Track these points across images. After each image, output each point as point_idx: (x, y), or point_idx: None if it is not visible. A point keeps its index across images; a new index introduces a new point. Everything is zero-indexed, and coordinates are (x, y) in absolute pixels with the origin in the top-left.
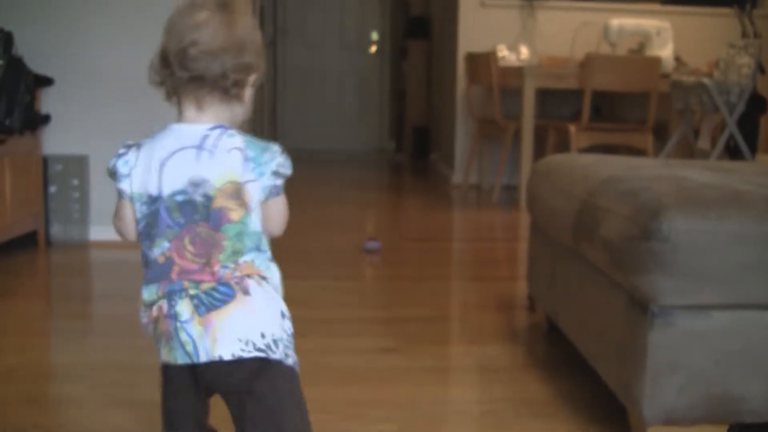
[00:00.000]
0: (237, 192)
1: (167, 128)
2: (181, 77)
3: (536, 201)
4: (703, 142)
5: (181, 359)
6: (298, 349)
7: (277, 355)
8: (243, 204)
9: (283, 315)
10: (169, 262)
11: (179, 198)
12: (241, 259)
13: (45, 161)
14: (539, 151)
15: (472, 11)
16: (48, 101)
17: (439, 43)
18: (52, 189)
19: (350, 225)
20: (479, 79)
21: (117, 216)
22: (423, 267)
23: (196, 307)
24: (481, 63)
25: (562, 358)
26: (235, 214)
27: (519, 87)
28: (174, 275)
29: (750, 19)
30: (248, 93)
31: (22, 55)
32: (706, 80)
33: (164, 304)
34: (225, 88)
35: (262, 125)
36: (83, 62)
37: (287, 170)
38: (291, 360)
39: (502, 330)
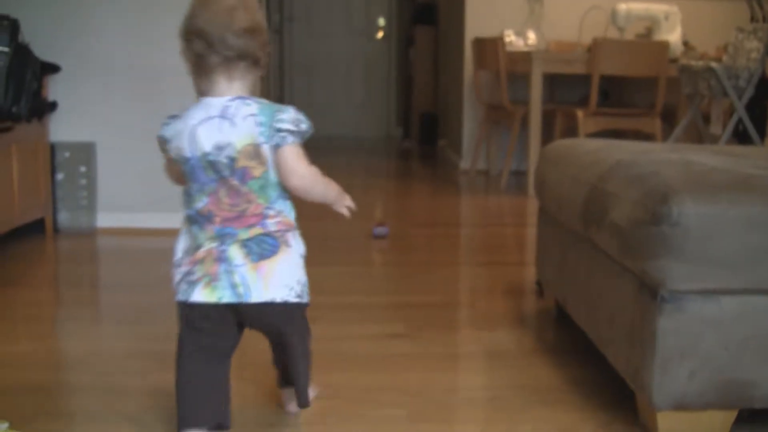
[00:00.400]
0: (255, 152)
1: (199, 101)
2: (226, 55)
3: (544, 186)
4: (715, 127)
5: (227, 299)
6: None
7: (305, 299)
8: (262, 162)
9: (301, 256)
10: (211, 214)
11: (208, 159)
12: (275, 206)
13: (52, 148)
14: (547, 137)
15: None
16: (55, 88)
17: (446, 29)
18: (60, 176)
19: (358, 211)
20: (486, 65)
21: (167, 171)
22: (431, 253)
23: (248, 254)
24: (489, 48)
25: (571, 344)
26: (256, 171)
27: (526, 72)
28: (217, 223)
29: (759, 3)
30: (267, 64)
31: (28, 42)
32: (714, 65)
33: (215, 248)
34: (256, 61)
35: None
36: (90, 49)
37: (294, 126)
38: (308, 297)
39: (510, 316)
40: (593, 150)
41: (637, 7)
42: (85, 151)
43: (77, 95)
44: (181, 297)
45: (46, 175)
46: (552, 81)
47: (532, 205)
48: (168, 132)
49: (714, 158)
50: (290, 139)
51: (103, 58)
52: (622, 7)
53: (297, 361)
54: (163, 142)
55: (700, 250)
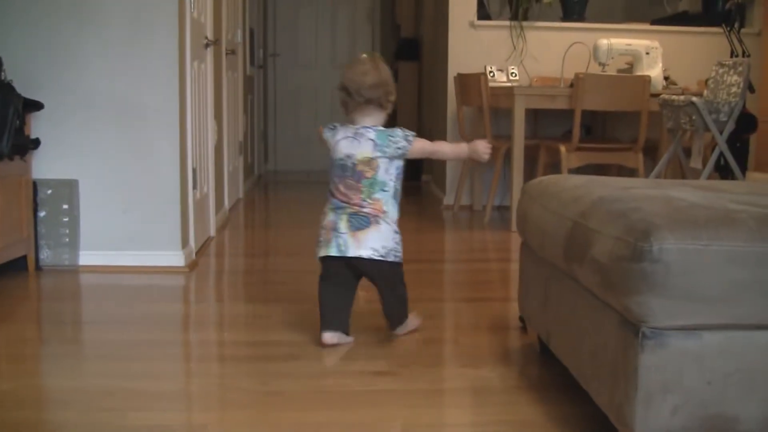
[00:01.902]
0: (369, 162)
1: (344, 124)
2: (358, 101)
3: (526, 222)
4: (695, 162)
5: (335, 253)
6: (292, 373)
7: (390, 258)
8: (373, 168)
9: (395, 233)
10: (337, 192)
11: (340, 162)
12: (373, 196)
13: (34, 186)
14: (530, 172)
15: (462, 32)
16: (38, 125)
17: (429, 64)
18: (42, 213)
19: None
20: (470, 100)
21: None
22: (415, 289)
23: (349, 227)
24: (472, 84)
25: (555, 380)
26: (369, 174)
27: (509, 107)
28: (337, 197)
29: (738, 38)
30: (390, 106)
31: (11, 80)
32: (695, 99)
33: (331, 220)
34: (380, 104)
35: (253, 147)
36: (73, 87)
37: (404, 139)
38: (398, 259)
39: (495, 352)
40: (575, 186)
41: (619, 43)
42: (68, 188)
43: (60, 132)
44: (317, 255)
45: (29, 213)
46: (535, 116)
47: (516, 240)
48: (327, 135)
49: (695, 194)
50: (410, 142)
51: (86, 96)
52: (604, 42)
53: (387, 299)
54: (324, 140)
55: (682, 286)
